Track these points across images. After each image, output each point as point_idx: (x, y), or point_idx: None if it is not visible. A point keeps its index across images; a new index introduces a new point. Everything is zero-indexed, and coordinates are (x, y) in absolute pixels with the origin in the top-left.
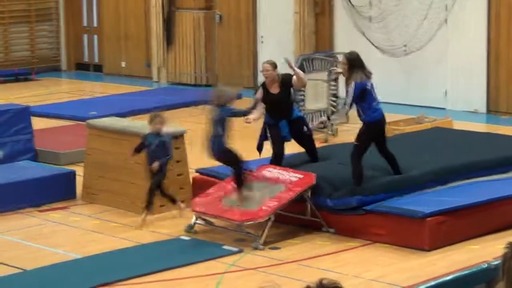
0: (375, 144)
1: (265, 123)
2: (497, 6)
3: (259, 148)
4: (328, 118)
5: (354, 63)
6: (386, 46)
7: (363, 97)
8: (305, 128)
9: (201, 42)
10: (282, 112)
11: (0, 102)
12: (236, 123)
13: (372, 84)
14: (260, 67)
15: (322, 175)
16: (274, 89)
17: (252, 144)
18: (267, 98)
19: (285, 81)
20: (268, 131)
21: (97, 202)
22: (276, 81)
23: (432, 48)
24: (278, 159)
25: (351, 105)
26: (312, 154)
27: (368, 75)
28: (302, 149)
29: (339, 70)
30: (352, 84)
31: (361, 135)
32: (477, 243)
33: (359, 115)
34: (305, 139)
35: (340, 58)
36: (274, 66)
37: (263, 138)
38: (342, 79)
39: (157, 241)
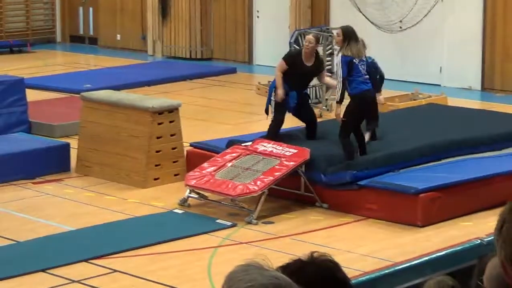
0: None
1: (273, 88)
2: None
3: (267, 111)
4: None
5: (349, 36)
6: (382, 22)
7: (349, 71)
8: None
9: (197, 16)
10: (304, 84)
11: None
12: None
13: (362, 62)
14: (256, 42)
15: (316, 150)
16: (309, 62)
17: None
18: (300, 69)
19: (320, 60)
20: (274, 96)
21: (91, 174)
22: (313, 55)
23: (427, 24)
24: (276, 125)
25: (343, 80)
26: (312, 130)
27: (359, 53)
28: (298, 124)
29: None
30: (339, 58)
31: (347, 111)
32: (470, 220)
33: (346, 90)
34: (308, 113)
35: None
36: (317, 40)
37: (269, 101)
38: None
39: (151, 214)
